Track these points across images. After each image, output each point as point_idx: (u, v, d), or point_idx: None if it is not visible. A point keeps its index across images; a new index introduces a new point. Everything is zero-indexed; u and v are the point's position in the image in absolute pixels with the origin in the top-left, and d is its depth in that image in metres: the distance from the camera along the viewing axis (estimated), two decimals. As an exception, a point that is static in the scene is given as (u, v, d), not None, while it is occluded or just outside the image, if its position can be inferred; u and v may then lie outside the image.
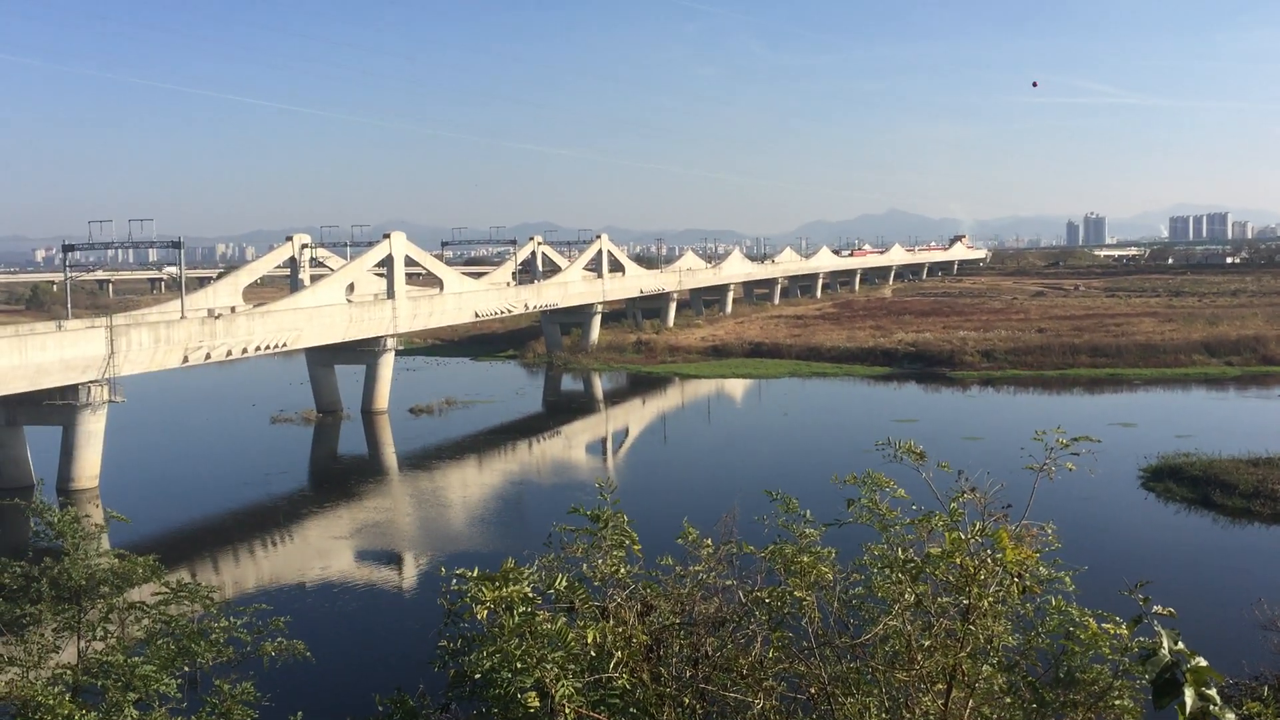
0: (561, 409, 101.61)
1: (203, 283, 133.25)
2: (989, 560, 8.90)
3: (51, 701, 10.60)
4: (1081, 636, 8.86)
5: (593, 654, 8.43)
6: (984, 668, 8.94)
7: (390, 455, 79.90)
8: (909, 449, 10.31)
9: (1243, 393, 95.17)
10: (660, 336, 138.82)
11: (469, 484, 68.09)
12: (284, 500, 63.12)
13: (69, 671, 12.29)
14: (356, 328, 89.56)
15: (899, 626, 9.12)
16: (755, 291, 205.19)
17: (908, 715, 8.89)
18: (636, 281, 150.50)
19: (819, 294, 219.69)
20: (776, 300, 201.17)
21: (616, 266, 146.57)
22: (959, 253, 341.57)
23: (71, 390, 62.94)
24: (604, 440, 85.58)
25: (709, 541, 10.26)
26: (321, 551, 53.43)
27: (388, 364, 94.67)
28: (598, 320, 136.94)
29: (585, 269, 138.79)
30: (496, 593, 8.12)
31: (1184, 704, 5.43)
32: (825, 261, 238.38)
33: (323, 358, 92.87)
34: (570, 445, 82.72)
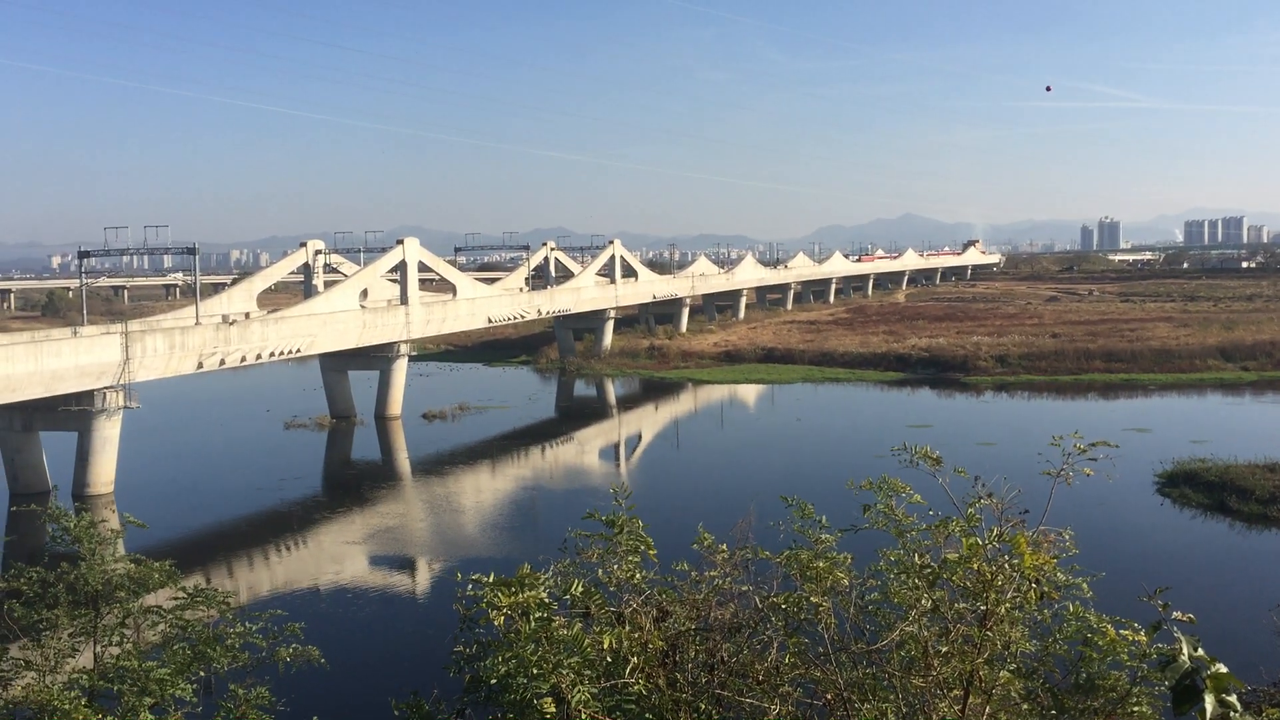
0: (574, 414, 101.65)
1: (217, 289, 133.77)
2: (1006, 566, 8.87)
3: (68, 706, 10.65)
4: (1099, 643, 8.82)
5: (608, 659, 8.43)
6: (1001, 674, 8.90)
7: (404, 460, 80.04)
8: (925, 454, 10.28)
9: (1259, 398, 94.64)
10: (673, 342, 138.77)
11: (482, 489, 68.16)
12: (298, 505, 63.27)
13: (85, 676, 12.34)
14: (370, 333, 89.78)
15: (915, 632, 9.08)
16: (768, 297, 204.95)
17: (924, 721, 8.85)
18: (649, 287, 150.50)
19: (832, 299, 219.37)
20: (789, 305, 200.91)
21: (629, 272, 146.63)
22: (973, 257, 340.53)
23: (87, 396, 63.25)
24: (617, 445, 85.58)
25: (724, 547, 10.25)
26: (335, 557, 53.53)
27: (401, 369, 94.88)
28: (610, 326, 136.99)
29: (598, 274, 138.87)
30: (513, 598, 8.12)
31: (1204, 710, 5.39)
32: (838, 266, 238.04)
33: (336, 363, 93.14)
34: (583, 450, 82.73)
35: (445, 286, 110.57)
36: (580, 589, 9.00)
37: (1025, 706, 9.12)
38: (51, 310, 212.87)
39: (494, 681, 8.31)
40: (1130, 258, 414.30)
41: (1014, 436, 72.17)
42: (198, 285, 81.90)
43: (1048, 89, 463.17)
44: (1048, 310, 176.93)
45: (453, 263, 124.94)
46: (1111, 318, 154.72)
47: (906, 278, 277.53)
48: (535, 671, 7.86)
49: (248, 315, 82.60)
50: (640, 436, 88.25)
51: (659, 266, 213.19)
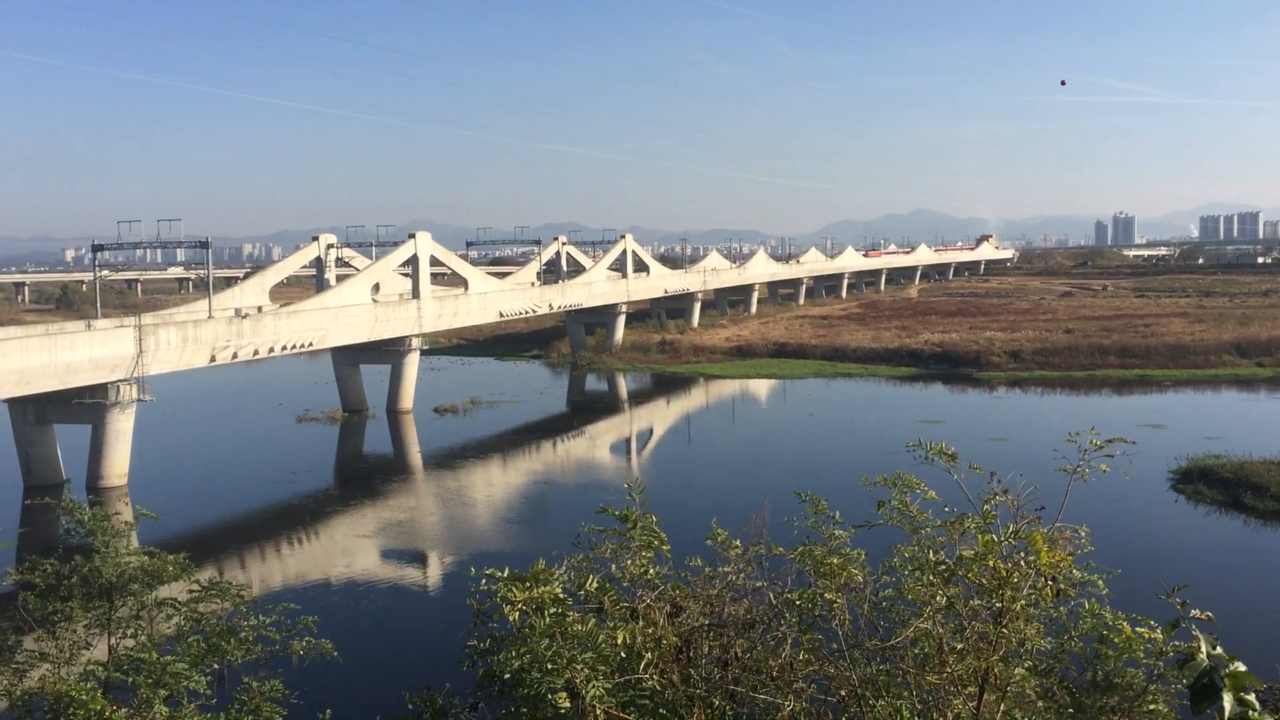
0: (586, 409, 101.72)
1: (230, 283, 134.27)
2: (1022, 563, 8.83)
3: (85, 697, 10.69)
4: (1115, 640, 8.78)
5: (622, 655, 8.43)
6: (1016, 671, 8.87)
7: (415, 454, 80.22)
8: (940, 450, 10.24)
9: (1274, 394, 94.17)
10: (685, 337, 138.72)
11: (493, 483, 68.27)
12: (310, 499, 63.49)
13: (100, 668, 12.40)
14: (382, 327, 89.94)
15: (930, 629, 9.05)
16: (780, 292, 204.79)
17: (939, 718, 8.82)
18: (661, 282, 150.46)
19: (844, 294, 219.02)
20: (801, 300, 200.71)
21: (641, 266, 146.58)
22: (986, 253, 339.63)
23: (100, 389, 63.53)
24: (628, 440, 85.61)
25: (738, 543, 10.24)
26: (347, 550, 53.70)
27: (413, 364, 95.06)
28: (622, 320, 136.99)
29: (610, 269, 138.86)
30: (527, 593, 8.12)
31: (1222, 709, 5.35)
32: (850, 262, 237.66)
33: (348, 357, 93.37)
34: (594, 445, 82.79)
35: (457, 281, 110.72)
36: (595, 585, 8.99)
37: (1040, 704, 9.08)
38: (65, 303, 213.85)
39: (507, 676, 8.32)
40: (1145, 253, 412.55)
41: (1027, 432, 71.96)
42: (210, 279, 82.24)
43: (1062, 83, 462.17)
44: (1061, 306, 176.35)
45: (464, 257, 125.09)
46: (1126, 313, 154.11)
47: (919, 273, 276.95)
48: (549, 666, 7.86)
49: (260, 309, 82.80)
50: (652, 431, 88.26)
51: (671, 261, 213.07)
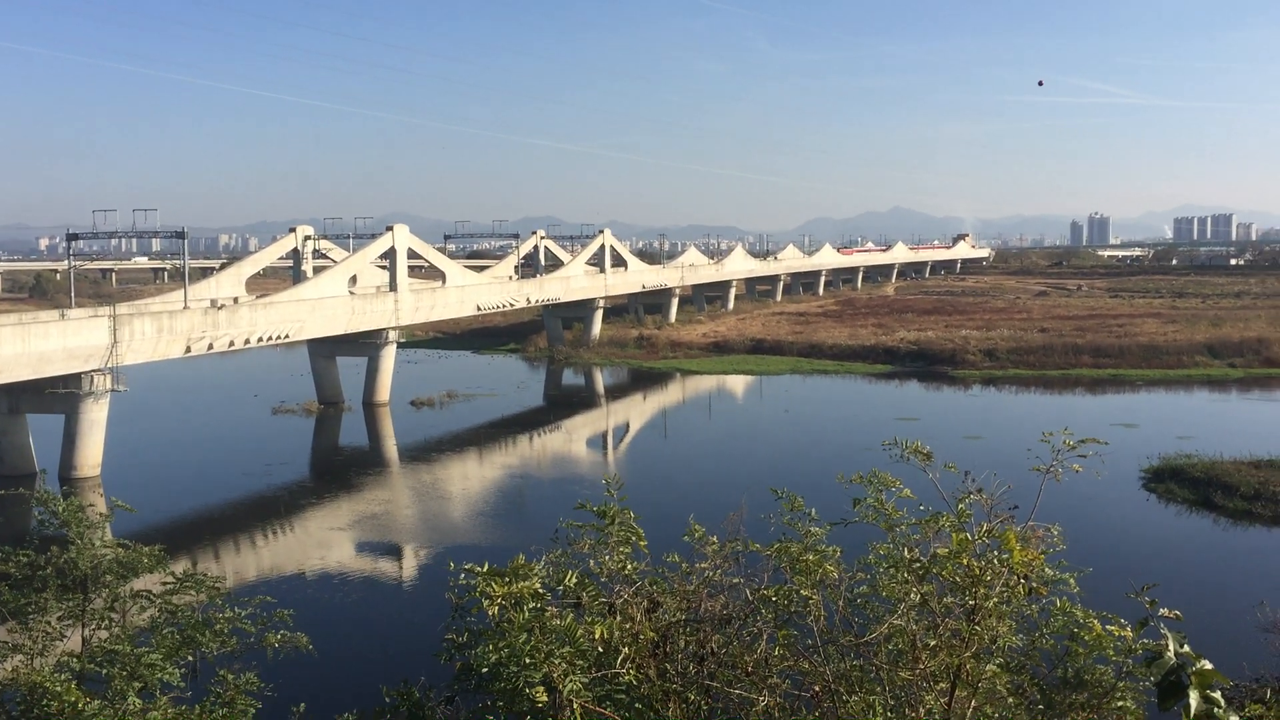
0: (563, 403, 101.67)
1: (206, 273, 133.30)
2: (995, 561, 8.94)
3: (59, 688, 10.66)
4: (1086, 638, 8.91)
5: (600, 650, 8.48)
6: (988, 667, 8.98)
7: (391, 447, 79.97)
8: (916, 449, 10.35)
9: (1245, 395, 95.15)
10: (662, 332, 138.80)
11: (470, 477, 68.16)
12: (285, 491, 63.19)
13: (74, 659, 12.36)
14: (359, 320, 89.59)
15: (904, 626, 9.16)
16: (757, 288, 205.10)
17: (911, 714, 8.92)
18: (639, 277, 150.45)
19: (821, 291, 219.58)
20: (779, 297, 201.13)
21: (619, 261, 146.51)
22: (962, 251, 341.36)
23: (74, 379, 62.99)
24: (605, 435, 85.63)
25: (715, 539, 10.31)
26: (323, 543, 53.51)
27: (389, 356, 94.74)
28: (599, 315, 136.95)
29: (588, 264, 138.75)
30: (507, 588, 8.17)
31: (1189, 706, 5.44)
32: (828, 259, 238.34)
33: (325, 349, 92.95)
34: (571, 439, 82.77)
35: (434, 274, 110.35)
36: (573, 580, 9.05)
37: (1011, 700, 9.20)
38: (39, 292, 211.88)
39: (485, 670, 8.36)
40: (1119, 254, 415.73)
41: (1001, 431, 72.43)
42: (186, 269, 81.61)
43: (1039, 84, 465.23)
44: (1036, 305, 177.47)
45: (442, 250, 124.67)
46: (1100, 313, 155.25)
47: (896, 271, 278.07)
48: (527, 661, 7.91)
49: (236, 300, 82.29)
50: (628, 426, 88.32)
51: (649, 256, 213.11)
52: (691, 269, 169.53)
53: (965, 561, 8.97)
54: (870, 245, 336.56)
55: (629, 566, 9.61)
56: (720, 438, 79.00)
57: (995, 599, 8.87)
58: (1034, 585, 9.09)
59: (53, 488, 45.00)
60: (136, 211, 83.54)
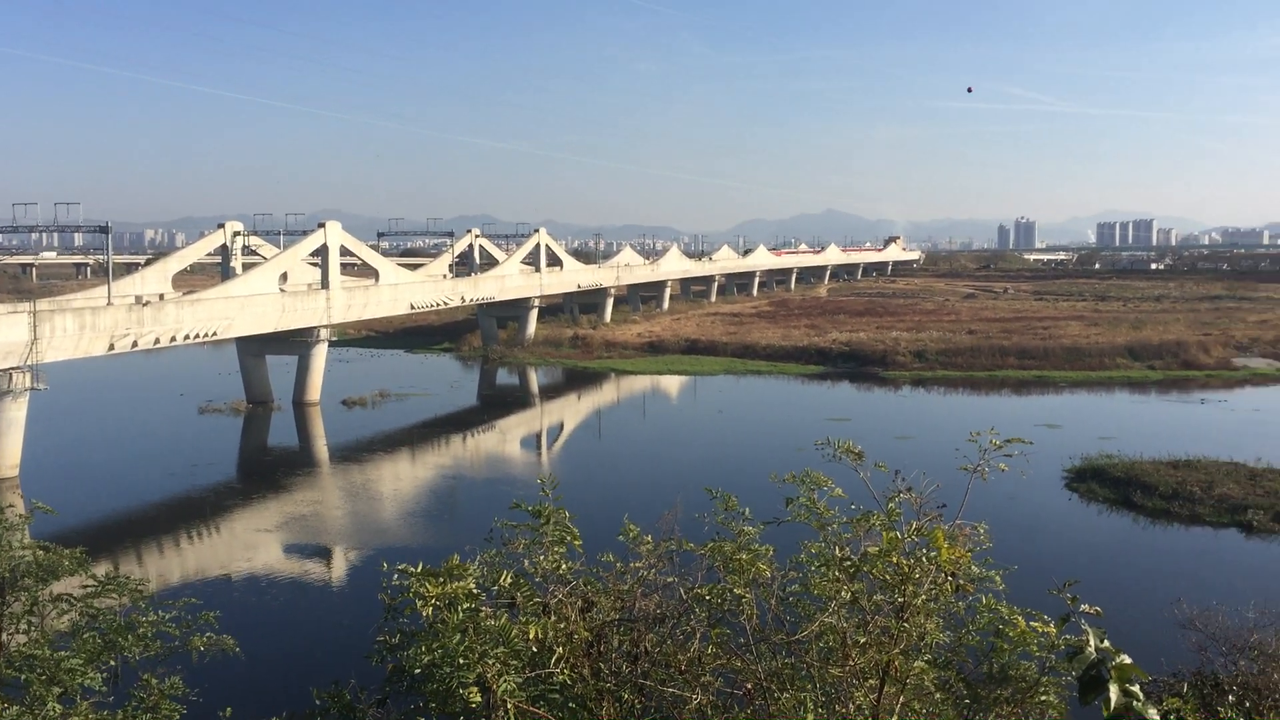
0: (496, 403, 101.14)
1: (130, 269, 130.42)
2: (924, 559, 9.08)
3: (-27, 696, 10.37)
4: (1010, 634, 9.08)
5: (534, 650, 8.47)
6: (916, 664, 9.11)
7: (322, 447, 78.90)
8: (848, 449, 10.48)
9: (1164, 396, 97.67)
10: (597, 332, 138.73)
11: (401, 477, 67.52)
12: (211, 492, 62.06)
13: (-9, 665, 12.02)
14: (289, 318, 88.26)
15: (834, 623, 9.26)
16: (692, 289, 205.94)
17: (841, 710, 9.03)
18: (574, 276, 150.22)
19: (755, 292, 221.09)
20: (713, 298, 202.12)
21: (554, 261, 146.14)
22: (893, 254, 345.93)
23: (-9, 376, 61.23)
24: (539, 435, 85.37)
25: (649, 538, 10.34)
26: (250, 545, 52.63)
27: (321, 355, 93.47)
28: (534, 314, 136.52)
29: (523, 263, 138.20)
30: (441, 588, 8.12)
31: (1109, 700, 5.58)
32: (762, 260, 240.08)
33: (254, 348, 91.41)
34: (505, 439, 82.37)
35: (367, 271, 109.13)
36: (508, 580, 9.02)
37: (939, 696, 9.35)
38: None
39: (417, 671, 8.30)
40: (1045, 257, 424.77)
41: (931, 431, 73.56)
42: (110, 265, 79.81)
43: (969, 90, 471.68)
44: (965, 307, 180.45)
45: (375, 247, 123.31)
46: (1026, 316, 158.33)
47: (829, 272, 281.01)
48: (461, 661, 7.87)
49: (162, 296, 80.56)
50: (563, 426, 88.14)
51: (584, 256, 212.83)
52: (627, 269, 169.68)
53: (895, 559, 9.10)
54: (804, 247, 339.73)
55: (564, 566, 9.60)
56: (655, 438, 79.17)
57: (924, 596, 9.01)
58: (961, 582, 9.25)
59: (-32, 488, 43.79)
60: (59, 205, 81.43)
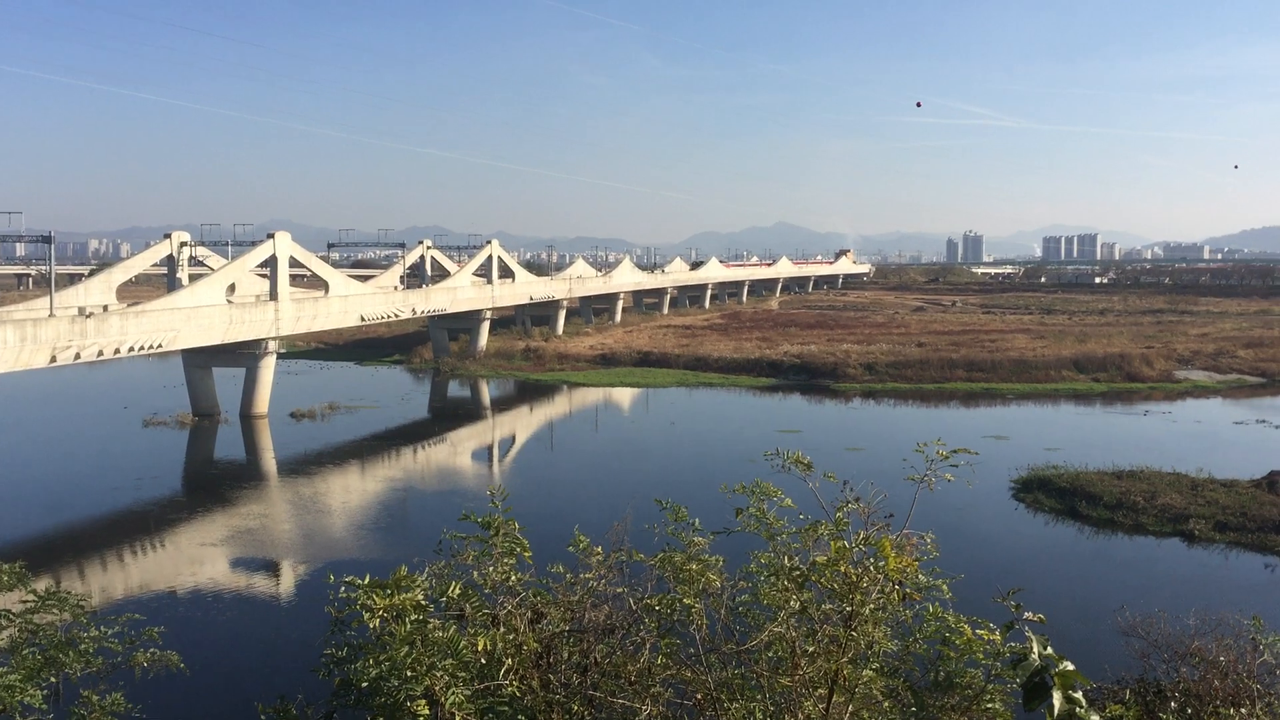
0: (447, 415, 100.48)
1: (74, 279, 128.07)
2: (871, 568, 9.17)
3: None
4: (957, 642, 9.17)
5: (483, 661, 8.42)
6: (864, 673, 9.19)
7: (269, 461, 77.89)
8: (797, 460, 10.55)
9: (1108, 408, 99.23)
10: (549, 344, 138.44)
11: (350, 490, 66.83)
12: (155, 506, 61.01)
13: (-75, 684, 11.74)
14: (237, 329, 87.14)
15: (783, 633, 9.31)
16: (645, 301, 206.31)
17: (790, 720, 9.07)
18: (526, 288, 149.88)
19: (707, 305, 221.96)
20: (665, 310, 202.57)
21: (506, 273, 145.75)
22: (844, 267, 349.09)
23: (-72, 389, 59.92)
24: (490, 447, 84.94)
25: (599, 549, 10.34)
26: (195, 559, 51.79)
27: (269, 367, 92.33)
28: (486, 326, 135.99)
29: (475, 275, 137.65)
30: (388, 600, 8.05)
31: (1052, 706, 5.65)
32: (714, 273, 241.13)
33: (200, 360, 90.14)
34: (456, 452, 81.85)
35: (317, 283, 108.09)
36: (457, 591, 8.97)
37: (886, 704, 9.42)
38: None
39: (365, 684, 8.22)
40: (992, 271, 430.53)
41: (880, 442, 74.16)
42: (53, 275, 78.30)
43: (918, 104, 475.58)
44: (914, 320, 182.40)
45: (325, 259, 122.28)
46: (974, 328, 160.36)
47: (780, 285, 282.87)
48: (409, 674, 7.81)
49: (106, 308, 79.25)
50: (514, 438, 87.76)
51: (536, 268, 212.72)
52: (579, 281, 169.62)
53: (843, 569, 9.17)
54: (755, 260, 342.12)
55: (513, 577, 9.57)
56: (606, 450, 79.07)
57: (872, 605, 9.09)
58: (908, 591, 9.34)
59: (-97, 503, 42.81)
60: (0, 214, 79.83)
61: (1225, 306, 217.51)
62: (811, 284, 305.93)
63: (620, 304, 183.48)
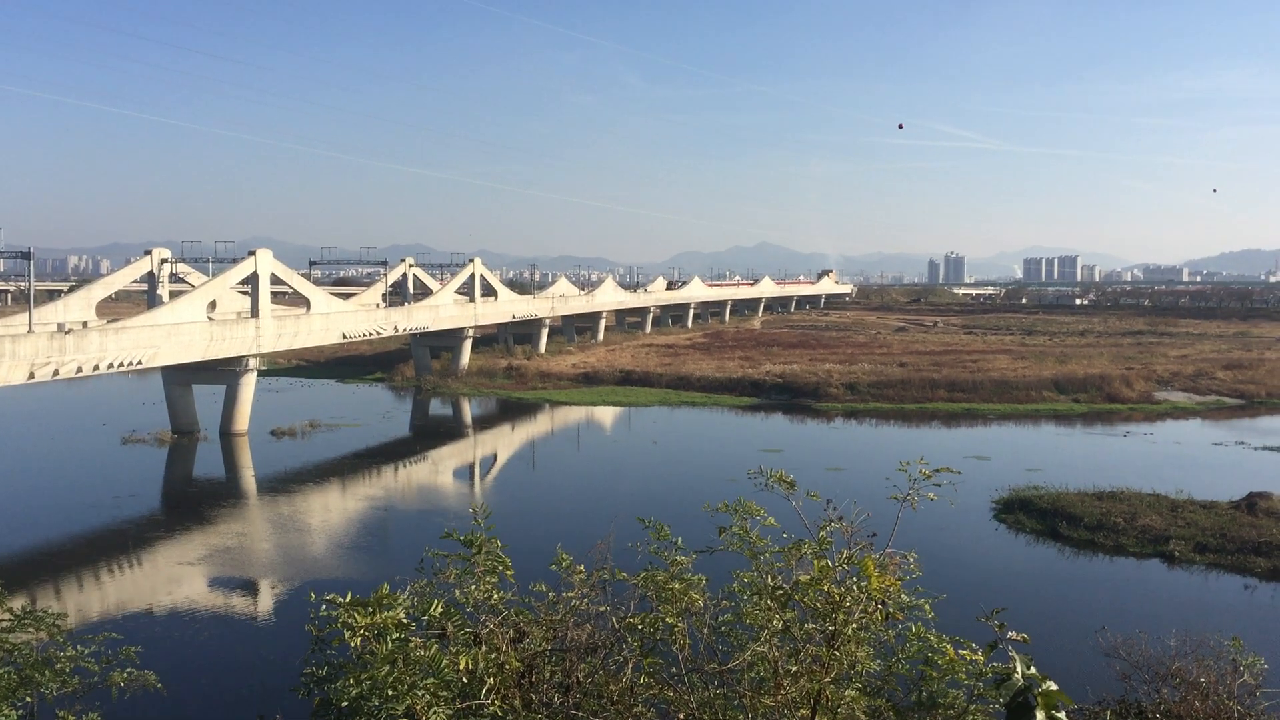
0: (429, 433, 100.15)
1: (53, 296, 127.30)
2: (854, 588, 9.16)
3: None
4: (940, 662, 9.16)
5: (465, 681, 8.37)
6: (847, 693, 9.16)
7: (249, 479, 77.41)
8: (780, 479, 10.55)
9: (1089, 429, 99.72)
10: (531, 362, 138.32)
11: (331, 509, 66.45)
12: (133, 524, 60.51)
13: (-102, 703, 11.59)
14: (217, 346, 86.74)
15: (766, 652, 9.29)
16: (627, 320, 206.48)
17: (773, 740, 9.03)
18: (509, 306, 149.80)
19: (690, 324, 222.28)
20: (648, 329, 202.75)
21: (489, 291, 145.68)
22: (826, 287, 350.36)
23: (-96, 405, 59.36)
24: (472, 465, 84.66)
25: (581, 568, 10.31)
26: (173, 578, 51.35)
27: (249, 384, 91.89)
28: (469, 345, 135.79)
29: (457, 293, 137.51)
30: (370, 619, 8.00)
31: (1036, 726, 5.66)
32: (697, 292, 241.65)
33: (180, 377, 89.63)
34: (438, 470, 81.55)
35: (298, 300, 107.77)
36: (439, 610, 8.92)
37: (868, 724, 9.40)
38: None
39: (345, 704, 8.15)
40: (974, 292, 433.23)
41: (862, 462, 74.28)
42: (32, 291, 77.84)
43: (900, 126, 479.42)
44: (896, 340, 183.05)
45: (308, 276, 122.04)
46: (955, 349, 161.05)
47: (762, 305, 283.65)
48: (390, 693, 7.75)
49: (86, 324, 78.77)
50: (496, 457, 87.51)
51: (519, 286, 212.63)
52: (562, 299, 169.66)
53: (826, 588, 9.17)
54: (738, 279, 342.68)
55: (495, 596, 9.52)
56: (589, 468, 78.93)
57: (854, 625, 9.08)
58: (891, 611, 9.34)
59: (-123, 521, 42.35)
60: (-23, 229, 79.41)
61: (1204, 328, 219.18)
62: (794, 304, 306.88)
63: (603, 323, 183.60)
